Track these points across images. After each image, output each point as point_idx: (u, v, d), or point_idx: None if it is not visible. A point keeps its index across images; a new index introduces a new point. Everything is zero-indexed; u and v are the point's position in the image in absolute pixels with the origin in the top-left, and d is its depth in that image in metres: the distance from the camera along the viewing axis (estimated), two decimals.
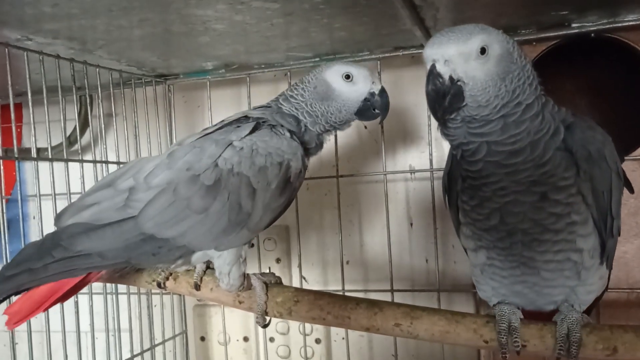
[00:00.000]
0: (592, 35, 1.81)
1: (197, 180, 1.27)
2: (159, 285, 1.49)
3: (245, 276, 1.41)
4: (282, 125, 1.42)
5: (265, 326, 1.45)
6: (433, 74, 1.12)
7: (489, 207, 1.23)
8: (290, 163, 1.35)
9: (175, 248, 1.31)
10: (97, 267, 1.30)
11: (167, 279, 1.49)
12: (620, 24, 1.77)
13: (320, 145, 1.53)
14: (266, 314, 1.43)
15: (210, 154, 1.31)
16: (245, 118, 1.42)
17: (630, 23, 1.76)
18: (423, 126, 2.08)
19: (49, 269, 1.24)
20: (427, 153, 2.07)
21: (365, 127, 2.25)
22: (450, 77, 1.11)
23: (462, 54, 1.11)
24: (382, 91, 1.48)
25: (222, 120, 1.46)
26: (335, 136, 2.09)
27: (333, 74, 1.46)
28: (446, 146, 2.16)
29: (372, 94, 1.47)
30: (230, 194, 1.28)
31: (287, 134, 1.40)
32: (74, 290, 1.36)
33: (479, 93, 1.13)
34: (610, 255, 1.34)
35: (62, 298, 1.36)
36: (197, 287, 1.46)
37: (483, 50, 1.11)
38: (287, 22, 1.64)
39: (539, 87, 1.20)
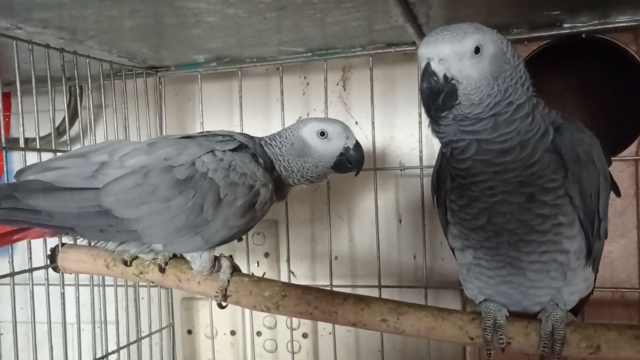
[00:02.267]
0: (583, 35, 1.82)
1: (170, 170, 1.32)
2: (125, 263, 1.52)
3: (216, 258, 1.46)
4: (261, 157, 1.48)
5: (222, 307, 1.48)
6: (428, 72, 1.13)
7: (477, 207, 1.24)
8: (260, 190, 1.40)
9: (126, 232, 1.33)
10: (40, 225, 1.33)
11: (131, 262, 1.53)
12: (611, 25, 1.78)
13: (284, 196, 1.61)
14: (225, 298, 1.45)
15: (190, 152, 1.36)
16: (230, 137, 1.47)
17: (621, 24, 1.77)
18: (414, 123, 2.09)
19: None
20: (417, 150, 2.07)
21: (357, 123, 2.25)
22: (445, 76, 1.12)
23: (457, 53, 1.11)
24: (357, 145, 1.55)
25: (208, 131, 1.51)
26: None
27: (309, 132, 1.52)
28: (436, 144, 2.17)
29: (346, 149, 1.54)
30: (196, 194, 1.33)
31: (262, 165, 1.46)
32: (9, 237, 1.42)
33: (472, 92, 1.13)
34: (597, 258, 1.34)
35: None
36: (162, 269, 1.48)
37: (477, 50, 1.12)
38: (280, 16, 1.63)
39: (531, 88, 1.20)
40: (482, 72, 1.13)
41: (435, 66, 1.12)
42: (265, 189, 1.41)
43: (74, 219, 1.30)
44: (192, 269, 1.45)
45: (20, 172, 1.36)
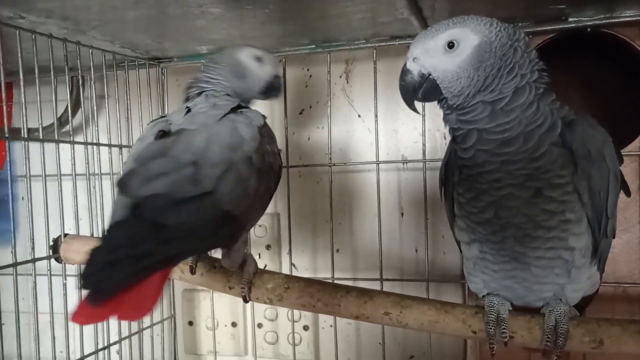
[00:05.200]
0: (589, 30, 1.81)
1: (251, 161, 1.27)
2: (191, 270, 1.51)
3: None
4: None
5: (246, 300, 1.47)
6: (403, 71, 1.24)
7: (484, 200, 1.24)
8: (280, 153, 1.45)
9: (240, 229, 1.30)
10: (192, 253, 1.31)
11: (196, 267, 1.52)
12: (616, 20, 1.77)
13: None
14: (250, 291, 1.45)
15: (250, 136, 1.30)
16: (238, 105, 1.42)
17: (627, 19, 1.76)
18: (417, 116, 2.07)
19: (153, 255, 1.02)
20: (420, 143, 2.07)
21: (359, 116, 2.25)
22: (421, 73, 1.21)
23: (428, 51, 1.19)
24: (279, 75, 1.67)
25: (207, 103, 1.42)
26: (329, 124, 2.10)
27: (245, 56, 1.58)
28: (439, 137, 2.18)
29: (276, 77, 1.64)
30: (268, 178, 1.34)
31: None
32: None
33: (450, 85, 1.19)
34: (603, 257, 1.34)
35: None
36: (193, 270, 1.47)
37: (451, 45, 1.17)
38: (284, 7, 1.63)
39: (528, 76, 1.18)
40: (461, 65, 1.17)
41: (409, 64, 1.22)
42: (277, 147, 1.46)
43: (213, 233, 1.16)
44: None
45: (125, 184, 1.13)
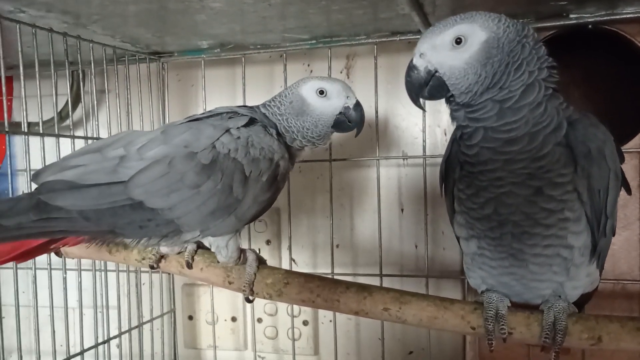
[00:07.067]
0: (590, 26, 1.81)
1: (194, 157, 1.29)
2: (151, 267, 1.50)
3: (241, 250, 1.45)
4: (270, 127, 1.46)
5: (250, 300, 1.47)
6: (409, 67, 1.23)
7: (484, 197, 1.24)
8: (279, 162, 1.40)
9: (164, 223, 1.30)
10: (78, 232, 1.29)
11: (160, 260, 1.50)
12: (618, 17, 1.77)
13: (293, 162, 1.55)
14: (252, 292, 1.44)
15: (208, 135, 1.33)
16: (235, 113, 1.44)
17: (628, 16, 1.76)
18: (417, 112, 2.08)
19: (23, 229, 1.20)
20: (420, 139, 2.07)
21: None
22: (428, 69, 1.20)
23: (435, 47, 1.18)
24: (357, 105, 1.52)
25: (210, 111, 1.47)
26: None
27: (308, 90, 1.50)
28: (439, 133, 2.18)
29: (346, 108, 1.51)
30: (223, 176, 1.31)
31: (275, 136, 1.44)
32: (39, 250, 1.37)
33: (457, 81, 1.18)
34: (603, 255, 1.34)
35: (26, 255, 1.37)
36: (189, 265, 1.47)
37: (459, 41, 1.16)
38: (285, 2, 1.62)
39: (535, 73, 1.18)
40: (469, 61, 1.16)
41: (416, 60, 1.21)
42: (284, 161, 1.42)
43: (110, 218, 1.25)
44: (216, 256, 1.44)
45: (37, 175, 1.28)
